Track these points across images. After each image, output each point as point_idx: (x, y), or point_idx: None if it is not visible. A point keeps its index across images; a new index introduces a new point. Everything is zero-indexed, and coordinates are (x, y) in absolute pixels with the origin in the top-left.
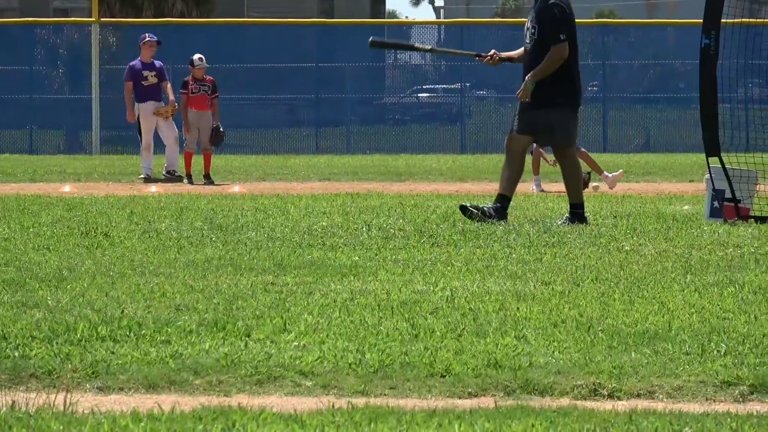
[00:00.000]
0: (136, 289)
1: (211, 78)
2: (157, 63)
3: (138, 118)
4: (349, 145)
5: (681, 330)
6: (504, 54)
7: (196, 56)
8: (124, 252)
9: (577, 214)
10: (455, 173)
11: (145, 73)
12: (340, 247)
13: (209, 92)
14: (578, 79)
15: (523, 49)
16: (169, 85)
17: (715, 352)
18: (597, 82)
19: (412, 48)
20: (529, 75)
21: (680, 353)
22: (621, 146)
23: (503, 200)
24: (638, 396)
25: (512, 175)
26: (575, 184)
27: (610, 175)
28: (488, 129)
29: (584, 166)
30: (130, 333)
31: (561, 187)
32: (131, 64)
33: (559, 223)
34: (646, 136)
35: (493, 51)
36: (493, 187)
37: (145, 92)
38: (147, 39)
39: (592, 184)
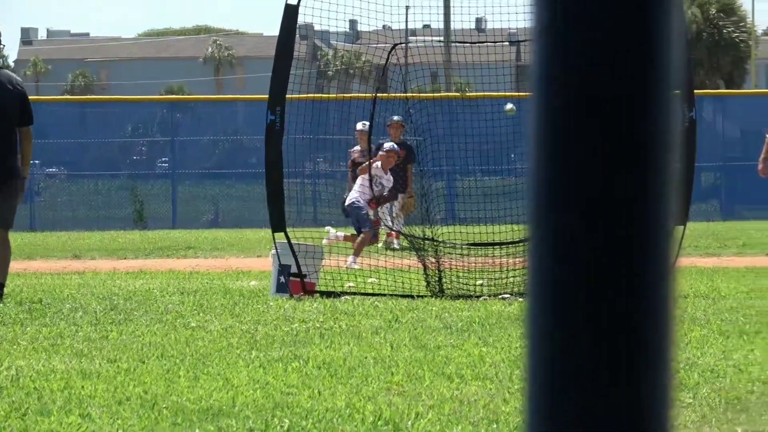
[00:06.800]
0: None
1: None
2: None
3: None
4: None
5: (245, 406)
6: None
7: None
8: None
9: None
10: (23, 251)
11: None
12: None
13: None
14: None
15: None
16: None
17: (279, 427)
18: (166, 158)
19: None
20: None
21: (244, 429)
22: (190, 222)
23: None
24: None
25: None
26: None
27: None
28: (58, 206)
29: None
30: None
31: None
32: None
33: None
34: (215, 212)
35: None
36: (62, 265)
37: None
38: None
39: None
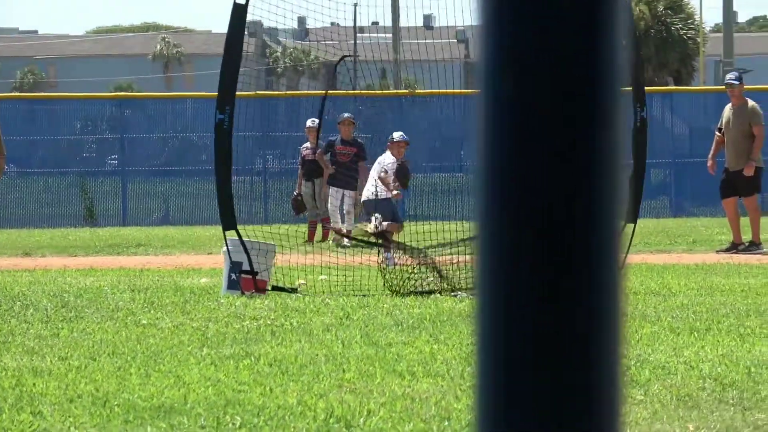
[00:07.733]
0: None
1: None
2: None
3: None
4: None
5: (197, 403)
6: None
7: None
8: None
9: None
10: None
11: None
12: None
13: None
14: None
15: None
16: None
17: (231, 424)
18: (116, 155)
19: None
20: None
21: (196, 426)
22: (140, 219)
23: None
24: None
25: None
26: None
27: None
28: (8, 204)
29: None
30: None
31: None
32: None
33: None
34: (166, 209)
35: None
36: (12, 263)
37: None
38: None
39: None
